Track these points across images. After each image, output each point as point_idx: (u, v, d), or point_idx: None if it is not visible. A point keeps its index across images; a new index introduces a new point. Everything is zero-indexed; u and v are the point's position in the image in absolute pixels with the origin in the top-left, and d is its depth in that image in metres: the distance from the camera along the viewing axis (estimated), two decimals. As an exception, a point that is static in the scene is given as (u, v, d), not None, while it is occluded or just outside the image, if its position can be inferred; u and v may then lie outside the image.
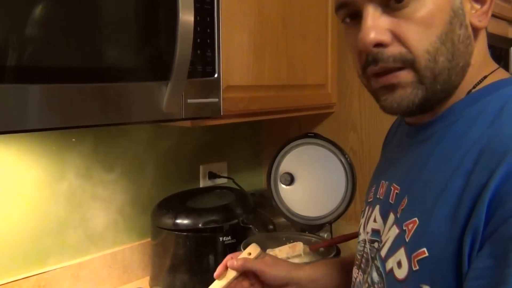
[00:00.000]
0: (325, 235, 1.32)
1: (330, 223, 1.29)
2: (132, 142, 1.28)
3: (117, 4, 0.84)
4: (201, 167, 1.48)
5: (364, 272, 0.69)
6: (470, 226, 0.49)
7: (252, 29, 1.18)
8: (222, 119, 1.10)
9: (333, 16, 1.36)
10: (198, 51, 0.97)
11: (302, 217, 1.30)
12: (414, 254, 0.55)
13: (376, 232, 0.67)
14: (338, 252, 1.08)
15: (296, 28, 1.29)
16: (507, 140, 0.50)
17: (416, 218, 0.56)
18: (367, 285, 0.66)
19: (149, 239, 1.30)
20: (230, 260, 0.84)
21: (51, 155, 1.14)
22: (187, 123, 1.08)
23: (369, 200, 0.74)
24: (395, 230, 0.60)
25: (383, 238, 0.63)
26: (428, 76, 0.56)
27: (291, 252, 1.12)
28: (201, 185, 1.48)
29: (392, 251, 0.59)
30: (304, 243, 1.16)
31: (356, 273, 0.72)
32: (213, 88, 1.01)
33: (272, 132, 1.61)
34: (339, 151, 1.28)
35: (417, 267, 0.54)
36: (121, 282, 1.27)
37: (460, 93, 0.59)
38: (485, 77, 0.59)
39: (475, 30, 0.57)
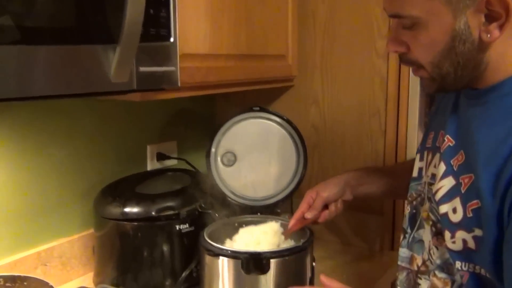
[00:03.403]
0: (287, 216, 1.23)
1: (280, 202, 1.20)
2: (68, 119, 1.15)
3: None
4: (148, 147, 1.36)
5: (414, 208, 0.84)
6: (510, 190, 0.62)
7: (209, -10, 1.05)
8: (177, 92, 1.00)
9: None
10: (151, 11, 0.84)
11: (248, 198, 1.20)
12: (469, 203, 0.68)
13: (433, 177, 0.78)
14: (311, 234, 1.00)
15: (255, -9, 1.18)
16: None
17: (472, 174, 0.68)
18: (429, 221, 0.78)
19: (90, 231, 1.17)
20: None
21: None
22: (136, 97, 0.95)
23: (427, 146, 0.84)
24: (451, 181, 0.72)
25: (437, 184, 0.75)
26: (436, 77, 0.71)
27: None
28: (149, 167, 1.36)
29: (447, 198, 0.72)
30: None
31: (406, 207, 0.87)
32: (169, 54, 0.90)
33: (227, 108, 1.50)
34: (287, 123, 1.19)
35: (471, 214, 0.68)
36: (59, 281, 1.13)
37: None
38: None
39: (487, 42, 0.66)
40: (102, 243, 1.11)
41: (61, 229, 1.15)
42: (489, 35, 0.65)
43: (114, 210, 1.05)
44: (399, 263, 0.87)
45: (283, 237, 1.02)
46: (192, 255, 1.04)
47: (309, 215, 1.00)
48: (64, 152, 1.14)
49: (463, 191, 0.69)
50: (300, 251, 0.95)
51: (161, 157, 1.36)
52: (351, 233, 1.35)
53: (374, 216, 1.31)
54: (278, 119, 1.20)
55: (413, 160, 0.89)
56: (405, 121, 1.26)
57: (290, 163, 1.21)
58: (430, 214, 0.78)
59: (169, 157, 1.38)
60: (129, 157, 1.30)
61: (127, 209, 1.04)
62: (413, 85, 1.25)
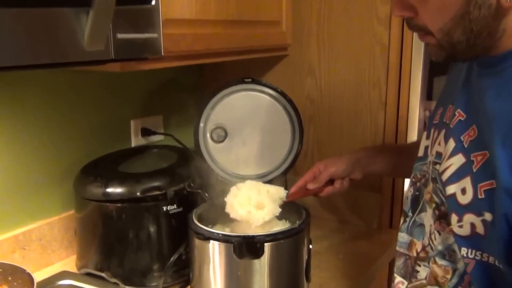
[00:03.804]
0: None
1: (274, 180, 1.14)
2: (43, 93, 1.07)
3: None
4: (132, 122, 1.29)
5: (418, 190, 0.79)
6: None
7: None
8: (161, 62, 0.92)
9: None
10: (128, -32, 0.74)
11: (240, 176, 1.14)
12: (481, 184, 0.62)
13: (439, 155, 0.73)
14: (307, 216, 0.95)
15: (246, -51, 1.09)
16: None
17: (486, 151, 0.62)
18: (433, 204, 0.73)
19: (72, 212, 1.10)
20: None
21: None
22: (116, 67, 0.87)
23: (434, 122, 0.78)
24: (461, 159, 0.66)
25: (444, 163, 0.69)
26: (445, 45, 0.65)
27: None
28: (133, 144, 1.30)
29: (455, 177, 0.67)
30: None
31: (409, 189, 0.83)
32: (151, 19, 0.82)
33: (216, 80, 1.42)
34: (281, 95, 1.13)
35: (483, 196, 0.62)
36: (39, 265, 1.08)
37: None
38: None
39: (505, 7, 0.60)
40: (84, 226, 1.04)
41: (40, 211, 1.09)
42: (509, 0, 0.58)
43: (95, 190, 0.98)
44: (397, 248, 0.82)
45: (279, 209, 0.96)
46: (181, 237, 0.97)
47: (311, 186, 0.97)
48: (40, 129, 1.06)
49: (474, 170, 0.64)
50: (296, 233, 0.90)
51: (146, 132, 1.30)
52: (348, 211, 1.30)
53: (372, 193, 1.26)
54: (271, 91, 1.13)
55: None
56: (407, 92, 1.19)
57: (285, 138, 1.14)
58: (434, 196, 0.73)
59: (154, 133, 1.32)
60: (111, 133, 1.23)
61: (109, 190, 0.97)
62: (416, 54, 1.17)
